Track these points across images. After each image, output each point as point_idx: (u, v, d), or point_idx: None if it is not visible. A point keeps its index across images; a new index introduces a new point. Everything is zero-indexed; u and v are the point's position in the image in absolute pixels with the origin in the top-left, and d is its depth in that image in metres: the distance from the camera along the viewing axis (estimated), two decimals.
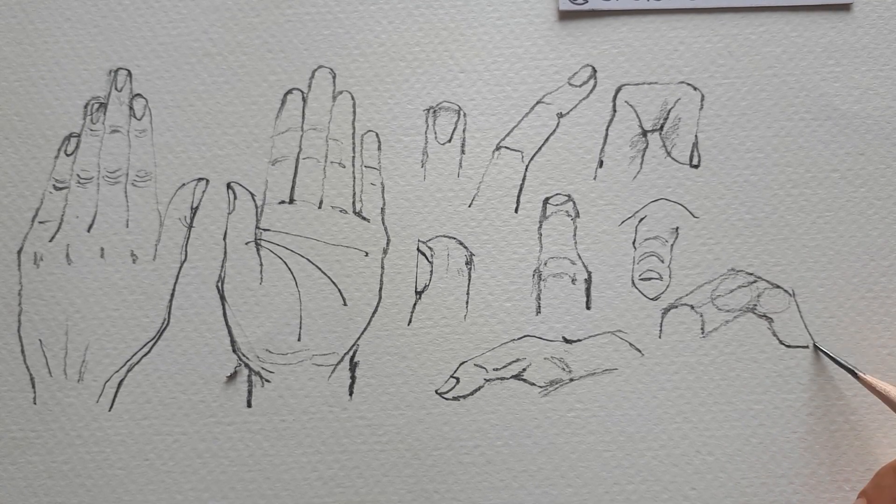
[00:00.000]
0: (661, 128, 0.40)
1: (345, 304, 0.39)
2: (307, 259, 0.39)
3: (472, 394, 0.38)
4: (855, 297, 0.38)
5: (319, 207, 0.39)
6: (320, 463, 0.38)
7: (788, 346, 0.38)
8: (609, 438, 0.38)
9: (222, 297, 0.39)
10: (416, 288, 0.39)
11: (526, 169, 0.40)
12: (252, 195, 0.40)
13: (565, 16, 0.41)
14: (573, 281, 0.39)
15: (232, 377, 0.38)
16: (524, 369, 0.38)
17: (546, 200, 0.39)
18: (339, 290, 0.39)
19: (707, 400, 0.38)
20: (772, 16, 0.40)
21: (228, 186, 0.40)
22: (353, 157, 0.40)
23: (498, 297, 0.39)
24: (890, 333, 0.38)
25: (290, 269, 0.39)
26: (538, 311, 0.38)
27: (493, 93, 0.40)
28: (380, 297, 0.39)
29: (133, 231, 0.40)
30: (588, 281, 0.39)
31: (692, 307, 0.38)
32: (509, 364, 0.38)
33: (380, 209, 0.39)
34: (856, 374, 0.36)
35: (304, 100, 0.40)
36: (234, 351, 0.39)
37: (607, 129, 0.40)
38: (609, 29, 0.40)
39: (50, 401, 0.38)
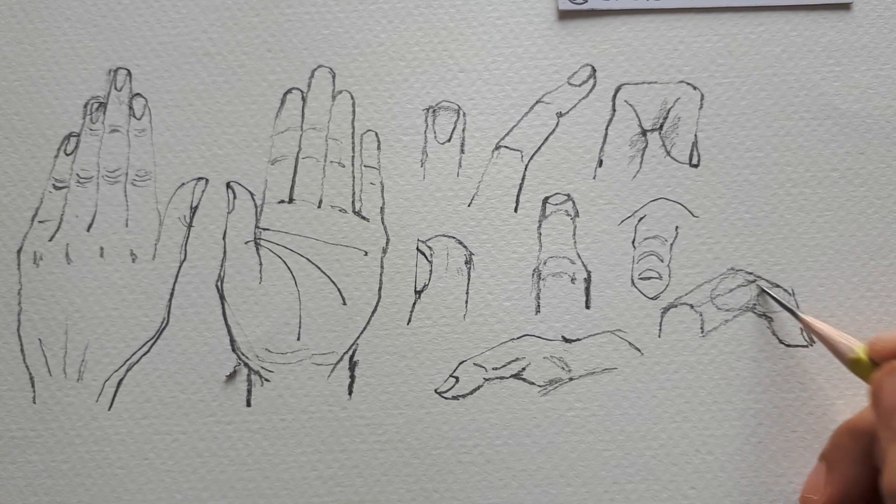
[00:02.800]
0: (661, 127, 0.40)
1: (344, 304, 0.39)
2: (306, 258, 0.39)
3: (471, 393, 0.38)
4: (855, 297, 0.38)
5: (319, 207, 0.39)
6: (320, 462, 0.38)
7: (788, 346, 0.38)
8: (608, 438, 0.38)
9: (222, 297, 0.39)
10: (415, 287, 0.39)
11: (525, 168, 0.40)
12: (251, 194, 0.40)
13: (565, 15, 0.41)
14: (573, 280, 0.39)
15: (231, 376, 0.38)
16: (523, 368, 0.38)
17: (545, 200, 0.39)
18: (339, 290, 0.39)
19: (706, 399, 0.38)
20: (771, 15, 0.40)
21: (228, 186, 0.40)
22: (353, 156, 0.40)
23: (497, 296, 0.39)
24: None
25: (289, 268, 0.39)
26: (537, 311, 0.38)
27: (492, 92, 0.40)
28: (379, 297, 0.39)
29: (133, 230, 0.40)
30: (587, 280, 0.39)
31: (692, 306, 0.38)
32: (509, 363, 0.38)
33: (379, 208, 0.39)
34: (795, 314, 0.36)
35: (304, 99, 0.40)
36: (233, 350, 0.39)
37: (607, 129, 0.40)
38: (609, 28, 0.40)
39: (49, 400, 0.38)
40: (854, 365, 0.34)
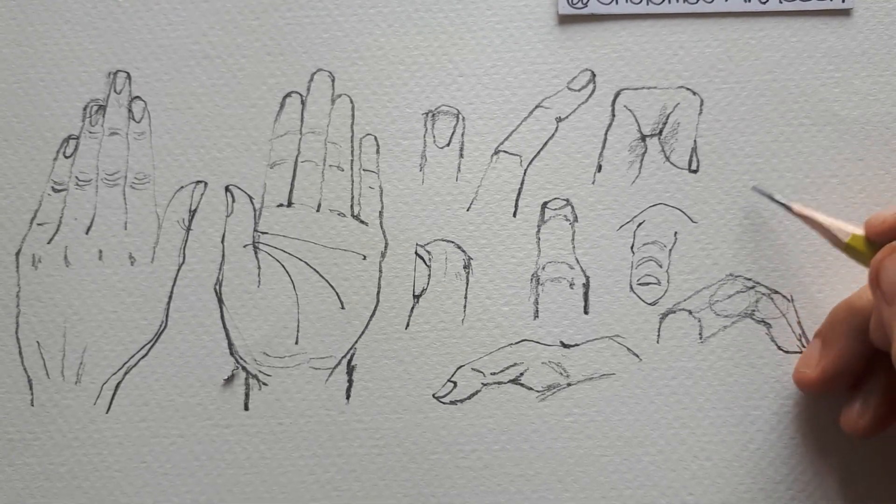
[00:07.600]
0: (660, 132, 0.40)
1: (342, 308, 0.39)
2: (305, 262, 0.39)
3: (469, 398, 0.38)
4: None
5: (317, 211, 0.39)
6: (317, 466, 0.38)
7: (786, 352, 0.38)
8: (606, 443, 0.38)
9: (220, 300, 0.39)
10: (413, 292, 0.39)
11: (524, 173, 0.40)
12: (250, 198, 0.40)
13: (565, 20, 0.41)
14: (571, 285, 0.39)
15: (229, 380, 0.38)
16: (522, 374, 0.38)
17: (544, 205, 0.39)
18: (337, 294, 0.39)
19: (705, 405, 0.38)
20: (771, 21, 0.40)
21: (227, 189, 0.40)
22: (352, 160, 0.40)
23: (496, 301, 0.39)
24: None
25: (287, 272, 0.39)
26: (536, 316, 0.38)
27: (492, 97, 0.40)
28: (377, 301, 0.39)
29: (131, 233, 0.40)
30: (586, 285, 0.39)
31: (690, 312, 0.38)
32: (507, 368, 0.38)
33: (378, 213, 0.39)
34: (789, 207, 0.37)
35: (303, 103, 0.40)
36: (231, 354, 0.39)
37: (606, 134, 0.40)
38: (608, 33, 0.40)
39: (47, 403, 0.38)
40: (850, 249, 0.34)
